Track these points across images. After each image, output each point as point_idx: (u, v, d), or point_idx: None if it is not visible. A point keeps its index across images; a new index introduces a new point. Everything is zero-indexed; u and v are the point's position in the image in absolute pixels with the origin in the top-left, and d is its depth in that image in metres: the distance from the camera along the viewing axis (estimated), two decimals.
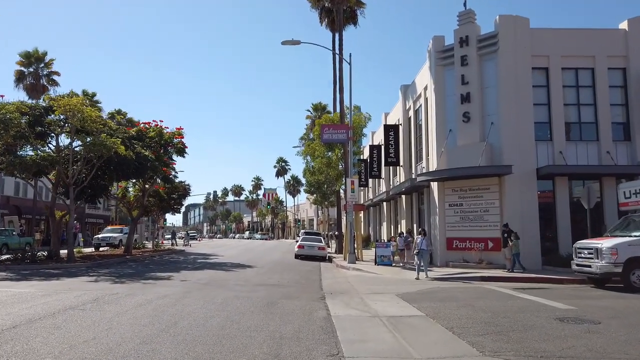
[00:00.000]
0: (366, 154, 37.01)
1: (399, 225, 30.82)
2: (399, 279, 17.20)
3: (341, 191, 33.30)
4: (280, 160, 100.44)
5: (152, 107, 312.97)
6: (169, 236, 50.11)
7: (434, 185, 22.56)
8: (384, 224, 36.04)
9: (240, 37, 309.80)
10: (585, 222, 18.12)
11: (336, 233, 31.91)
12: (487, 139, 20.50)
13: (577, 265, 14.47)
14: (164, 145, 25.52)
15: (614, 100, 20.78)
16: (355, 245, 25.90)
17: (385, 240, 25.83)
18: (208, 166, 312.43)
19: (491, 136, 20.54)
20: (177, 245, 44.36)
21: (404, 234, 23.33)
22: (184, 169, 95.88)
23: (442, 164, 21.60)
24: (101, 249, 32.80)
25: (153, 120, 25.32)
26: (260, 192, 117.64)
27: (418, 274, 16.76)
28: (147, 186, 28.20)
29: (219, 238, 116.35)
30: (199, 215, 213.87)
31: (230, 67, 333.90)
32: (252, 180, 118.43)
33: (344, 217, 25.42)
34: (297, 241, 31.71)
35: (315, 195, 46.31)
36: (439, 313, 9.79)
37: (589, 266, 13.79)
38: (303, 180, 45.87)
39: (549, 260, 19.28)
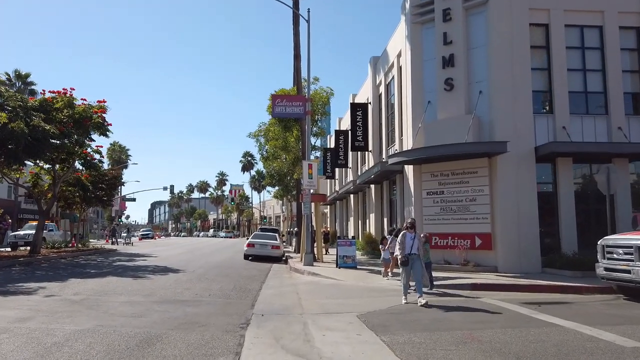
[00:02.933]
0: (333, 143, 32.83)
1: (368, 220, 26.73)
2: (365, 287, 13.00)
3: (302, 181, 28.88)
4: (247, 154, 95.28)
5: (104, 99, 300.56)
6: (125, 234, 44.67)
7: (409, 170, 18.48)
8: (351, 219, 31.92)
9: (199, 25, 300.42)
10: (604, 212, 14.42)
11: (295, 229, 27.56)
12: (474, 111, 16.52)
13: (607, 269, 10.52)
14: (80, 121, 20.57)
15: (626, 66, 17.12)
16: (315, 244, 21.64)
17: (350, 237, 21.63)
18: (172, 162, 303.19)
19: (479, 108, 16.58)
20: (117, 243, 39.28)
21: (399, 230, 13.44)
22: (140, 162, 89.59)
23: (418, 143, 17.53)
24: (20, 248, 27.53)
25: (63, 89, 20.38)
26: (226, 188, 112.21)
27: (407, 296, 10.02)
28: (63, 172, 23.17)
29: (183, 236, 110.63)
30: (165, 212, 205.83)
31: (191, 60, 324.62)
32: (217, 176, 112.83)
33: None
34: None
35: (277, 188, 41.91)
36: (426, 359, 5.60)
37: (627, 271, 9.86)
38: (265, 171, 41.28)
39: (550, 261, 15.47)
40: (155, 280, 13.70)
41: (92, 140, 22.02)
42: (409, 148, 17.78)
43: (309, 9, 19.33)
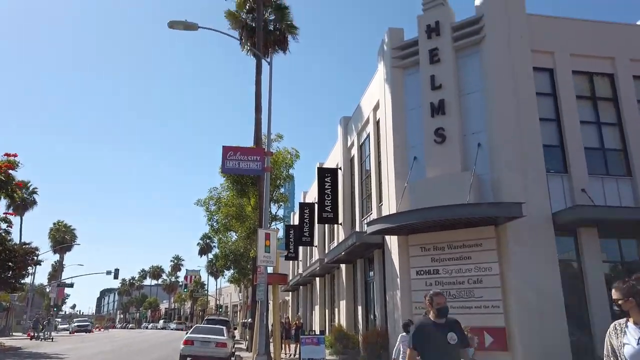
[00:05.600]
0: (297, 220, 28.96)
1: (337, 309, 22.17)
2: None
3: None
4: (205, 236, 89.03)
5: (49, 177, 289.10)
6: (45, 326, 37.48)
7: (392, 242, 14.64)
8: (317, 307, 27.13)
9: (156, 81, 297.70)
10: None
11: (249, 320, 22.59)
12: (473, 167, 13.19)
13: None
14: None
15: None
16: (272, 339, 16.86)
17: (317, 332, 17.00)
18: (124, 245, 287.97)
19: (479, 164, 13.28)
20: (37, 338, 32.58)
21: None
22: (89, 244, 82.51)
23: (404, 207, 13.87)
24: None
25: None
26: (181, 274, 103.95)
27: None
28: None
29: (130, 328, 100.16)
30: (114, 301, 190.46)
31: (149, 136, 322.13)
32: (172, 260, 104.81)
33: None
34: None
35: (232, 271, 36.95)
36: None
37: None
38: (218, 250, 36.38)
39: None
40: None
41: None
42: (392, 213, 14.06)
43: (270, 51, 16.38)
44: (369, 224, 14.59)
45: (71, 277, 76.57)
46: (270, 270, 15.95)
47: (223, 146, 15.49)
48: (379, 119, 17.18)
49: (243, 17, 25.24)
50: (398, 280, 13.95)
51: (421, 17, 15.05)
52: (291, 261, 33.54)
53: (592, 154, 13.90)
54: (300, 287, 32.78)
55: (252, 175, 17.17)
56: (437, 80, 14.28)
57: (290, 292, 37.97)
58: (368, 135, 18.61)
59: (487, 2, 14.11)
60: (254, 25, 24.36)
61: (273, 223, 20.82)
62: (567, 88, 14.08)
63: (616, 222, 12.67)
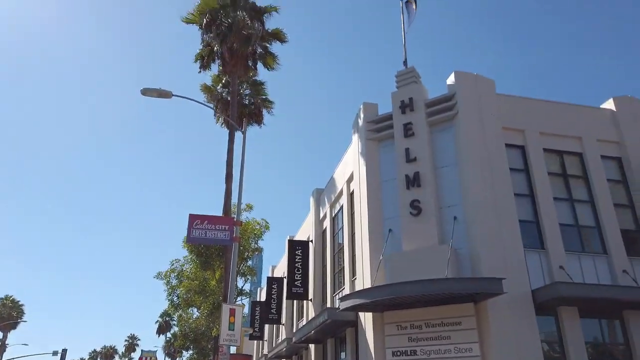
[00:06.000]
0: (264, 296, 27.58)
1: None
2: None
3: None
4: (165, 313, 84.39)
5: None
6: None
7: (367, 319, 13.75)
8: None
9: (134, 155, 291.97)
10: None
11: None
12: (450, 241, 12.82)
13: None
14: None
15: (616, 199, 14.63)
16: None
17: None
18: (76, 324, 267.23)
19: (456, 238, 12.94)
20: None
21: None
22: (38, 322, 76.22)
23: (379, 281, 13.21)
24: None
25: None
26: (136, 355, 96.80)
27: None
28: None
29: None
30: None
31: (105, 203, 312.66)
32: (126, 340, 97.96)
33: None
34: None
35: (190, 352, 34.37)
36: None
37: None
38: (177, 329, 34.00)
39: None
40: None
41: None
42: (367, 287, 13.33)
43: (245, 118, 16.29)
44: (341, 299, 13.73)
45: (14, 358, 70.03)
46: (233, 350, 14.70)
47: (190, 214, 14.74)
48: (352, 191, 16.91)
49: (219, 90, 25.43)
50: None
51: (395, 94, 15.32)
52: (256, 341, 31.46)
53: (567, 230, 13.81)
54: None
55: (219, 245, 16.27)
56: (411, 153, 14.26)
57: None
58: (341, 207, 18.22)
59: (459, 81, 14.54)
60: (229, 99, 24.42)
61: (239, 298, 19.63)
62: (539, 165, 14.26)
63: (596, 300, 12.27)
